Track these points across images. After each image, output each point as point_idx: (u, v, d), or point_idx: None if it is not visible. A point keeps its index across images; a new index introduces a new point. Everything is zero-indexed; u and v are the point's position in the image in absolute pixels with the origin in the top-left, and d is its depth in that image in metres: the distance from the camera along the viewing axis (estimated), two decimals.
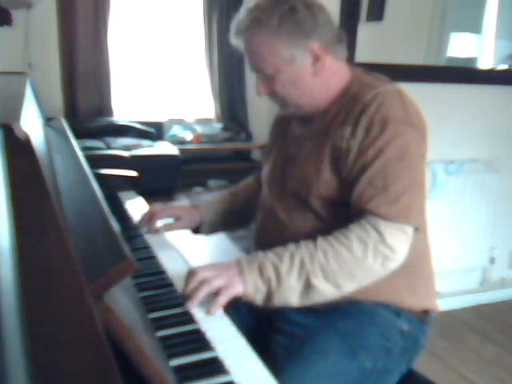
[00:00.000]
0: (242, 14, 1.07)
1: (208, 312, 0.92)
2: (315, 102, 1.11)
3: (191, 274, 0.96)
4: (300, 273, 0.97)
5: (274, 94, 1.11)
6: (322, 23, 1.06)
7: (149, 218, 1.31)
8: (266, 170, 1.27)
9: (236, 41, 1.10)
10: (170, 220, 1.34)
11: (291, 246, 1.00)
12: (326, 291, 0.98)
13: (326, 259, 0.97)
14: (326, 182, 1.07)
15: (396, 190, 1.00)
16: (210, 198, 1.42)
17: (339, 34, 1.11)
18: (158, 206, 1.37)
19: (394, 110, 1.03)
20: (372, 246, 0.97)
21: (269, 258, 0.99)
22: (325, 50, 1.06)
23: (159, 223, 1.32)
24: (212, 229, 1.38)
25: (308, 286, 0.97)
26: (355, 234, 0.98)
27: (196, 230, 1.38)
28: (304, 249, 0.99)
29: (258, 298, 0.98)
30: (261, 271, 0.97)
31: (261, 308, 1.19)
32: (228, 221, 1.39)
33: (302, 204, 1.11)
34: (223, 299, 0.93)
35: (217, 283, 0.94)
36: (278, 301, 0.98)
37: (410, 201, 1.01)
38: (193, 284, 0.94)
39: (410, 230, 1.01)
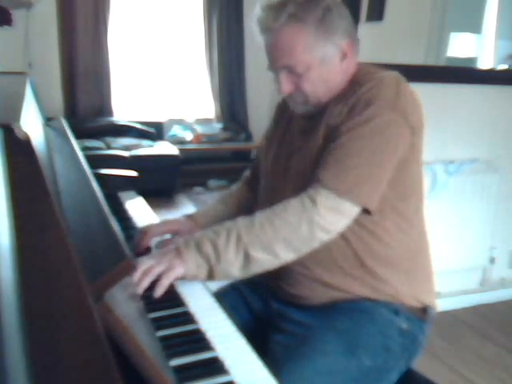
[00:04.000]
0: (263, 11, 1.04)
1: (155, 293, 0.94)
2: (332, 95, 1.11)
3: (136, 267, 0.98)
4: (237, 246, 0.98)
5: (297, 92, 1.09)
6: (349, 21, 1.09)
7: (141, 238, 1.19)
8: (266, 163, 1.25)
9: (260, 38, 1.08)
10: (167, 236, 1.25)
11: (228, 222, 1.02)
12: (265, 260, 0.99)
13: (262, 229, 0.98)
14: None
15: (350, 164, 1.00)
16: (204, 209, 1.37)
17: (356, 32, 1.13)
18: (153, 226, 1.24)
19: (383, 92, 1.03)
20: (306, 216, 0.98)
21: (206, 235, 1.00)
22: (351, 47, 1.08)
23: (155, 240, 1.22)
24: None
25: (247, 258, 0.98)
26: (291, 204, 1.00)
27: None
28: (241, 223, 1.00)
29: (201, 274, 0.99)
30: (199, 248, 0.98)
31: (260, 307, 1.20)
32: None
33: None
34: (166, 281, 0.95)
35: (157, 269, 0.96)
36: (219, 275, 0.99)
37: (361, 178, 1.00)
38: (136, 276, 0.96)
39: (351, 207, 1.00)
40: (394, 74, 1.08)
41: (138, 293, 0.94)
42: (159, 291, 0.94)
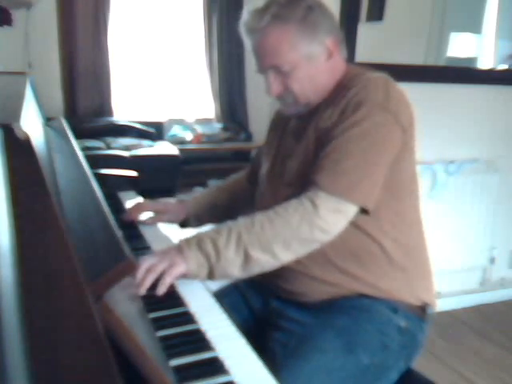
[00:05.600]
0: (249, 15, 1.07)
1: (157, 292, 0.94)
2: (321, 97, 1.12)
3: (136, 267, 0.98)
4: (238, 245, 0.98)
5: (286, 93, 1.11)
6: (332, 19, 1.11)
7: (134, 210, 1.36)
8: (264, 167, 1.27)
9: (246, 40, 1.10)
10: (150, 214, 1.40)
11: (229, 222, 1.03)
12: (264, 261, 1.00)
13: (262, 230, 0.99)
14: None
15: (346, 165, 1.01)
16: (198, 193, 1.47)
17: (341, 33, 1.14)
18: (146, 201, 1.42)
19: (373, 93, 1.04)
20: (307, 217, 0.99)
21: (207, 234, 1.01)
22: (337, 45, 1.10)
23: (145, 215, 1.37)
24: (198, 223, 1.43)
25: (247, 258, 0.99)
26: (292, 205, 1.01)
27: (183, 225, 1.43)
28: (241, 222, 1.01)
29: (201, 273, 0.99)
30: (200, 247, 0.98)
31: (260, 306, 1.20)
32: (213, 215, 1.43)
33: (297, 194, 1.11)
34: (168, 279, 0.95)
35: (160, 267, 0.96)
36: (219, 274, 1.00)
37: (358, 179, 1.01)
38: (139, 275, 0.96)
39: (350, 207, 1.02)
40: (382, 74, 1.10)
41: (141, 292, 0.94)
42: (162, 289, 0.94)
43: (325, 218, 0.99)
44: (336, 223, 1.01)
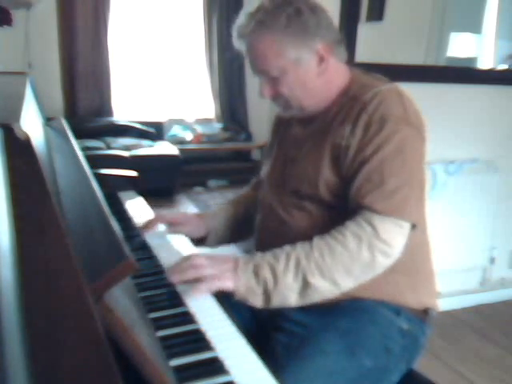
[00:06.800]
0: (242, 18, 1.07)
1: (192, 293, 0.93)
2: (318, 102, 1.12)
3: (186, 257, 0.99)
4: (296, 272, 0.98)
5: (278, 96, 1.11)
6: (325, 24, 1.08)
7: (150, 222, 1.28)
8: (266, 169, 1.28)
9: (238, 44, 1.10)
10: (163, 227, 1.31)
11: (287, 247, 1.01)
12: (324, 289, 0.99)
13: (322, 256, 0.98)
14: (326, 179, 1.08)
15: (392, 185, 1.01)
16: (215, 209, 1.41)
17: (339, 35, 1.13)
18: (164, 212, 1.35)
19: (393, 108, 1.04)
20: (366, 240, 0.98)
21: (265, 258, 0.99)
22: (329, 50, 1.08)
23: (161, 227, 1.29)
24: (218, 239, 1.37)
25: (305, 285, 0.98)
26: (350, 229, 1.00)
27: (200, 242, 1.36)
28: (300, 248, 1.00)
29: (255, 300, 0.99)
30: (256, 272, 0.97)
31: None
32: (234, 230, 1.37)
33: (301, 202, 1.12)
34: (204, 287, 0.93)
35: (206, 272, 0.95)
36: (276, 301, 0.99)
37: (406, 197, 1.02)
38: (183, 265, 0.96)
39: (405, 225, 1.02)
40: (392, 86, 1.10)
41: (172, 280, 0.94)
42: (195, 293, 0.92)
43: (385, 240, 0.99)
44: (397, 243, 1.01)
